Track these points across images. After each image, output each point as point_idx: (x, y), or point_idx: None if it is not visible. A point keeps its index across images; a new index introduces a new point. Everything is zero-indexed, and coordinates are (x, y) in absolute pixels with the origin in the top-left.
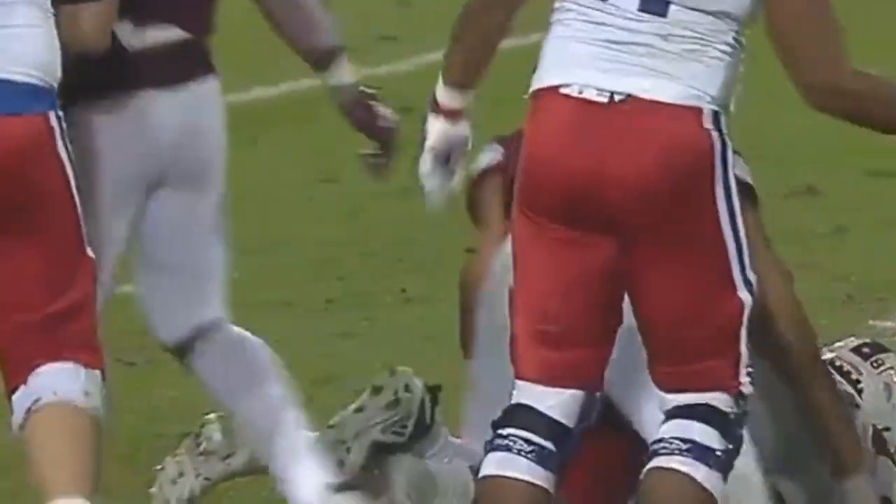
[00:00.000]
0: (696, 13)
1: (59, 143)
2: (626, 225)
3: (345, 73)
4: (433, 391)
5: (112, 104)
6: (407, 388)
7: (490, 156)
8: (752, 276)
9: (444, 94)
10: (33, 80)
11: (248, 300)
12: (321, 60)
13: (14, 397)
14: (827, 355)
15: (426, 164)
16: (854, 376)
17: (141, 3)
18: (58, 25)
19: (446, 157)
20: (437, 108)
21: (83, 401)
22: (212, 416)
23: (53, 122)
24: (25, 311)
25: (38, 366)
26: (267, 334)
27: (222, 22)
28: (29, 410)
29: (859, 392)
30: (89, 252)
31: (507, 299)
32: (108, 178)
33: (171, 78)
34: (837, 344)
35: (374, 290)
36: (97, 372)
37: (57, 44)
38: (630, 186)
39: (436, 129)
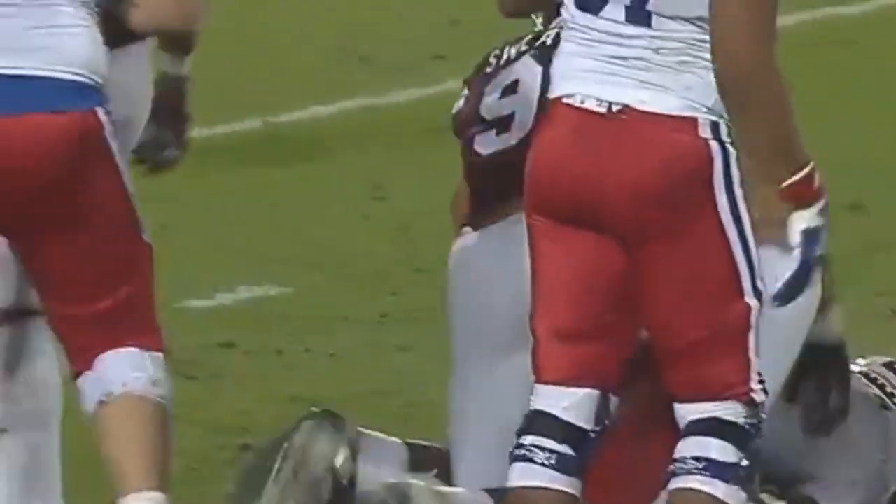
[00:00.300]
0: (678, 22)
1: (108, 137)
2: (627, 231)
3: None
4: (352, 447)
5: None
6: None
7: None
8: (761, 284)
9: None
10: (79, 78)
11: (303, 314)
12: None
13: (80, 382)
14: (856, 368)
15: None
16: (889, 389)
17: None
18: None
19: None
20: None
21: (151, 391)
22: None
23: (102, 116)
24: (85, 302)
25: (100, 352)
26: (322, 348)
27: (278, 43)
28: (100, 402)
29: (891, 398)
30: (146, 237)
31: (485, 285)
32: None
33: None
34: (865, 360)
35: (427, 305)
36: (160, 355)
37: (101, 41)
38: (628, 194)
39: None
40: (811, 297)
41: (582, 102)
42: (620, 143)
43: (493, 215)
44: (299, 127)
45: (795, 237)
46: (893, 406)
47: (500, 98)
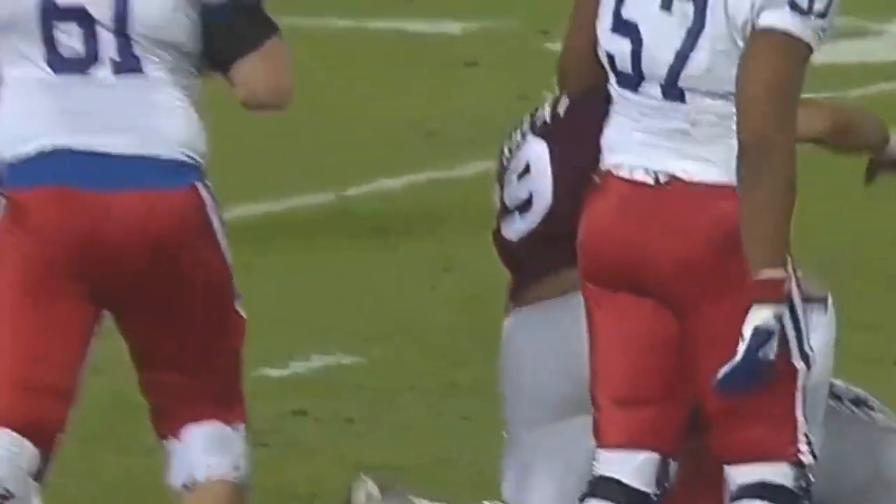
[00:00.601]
0: (710, 97)
1: (210, 213)
2: (674, 296)
3: None
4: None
5: None
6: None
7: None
8: (809, 349)
9: None
10: (179, 156)
11: (373, 384)
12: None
13: (167, 447)
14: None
15: None
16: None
17: None
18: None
19: None
20: None
21: (233, 475)
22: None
23: (203, 192)
24: (178, 371)
25: (187, 422)
26: (391, 417)
27: (348, 118)
28: (184, 486)
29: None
30: (241, 311)
31: (529, 364)
32: None
33: None
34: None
35: (492, 376)
36: (242, 427)
37: (199, 120)
38: (674, 261)
39: None
40: (825, 359)
41: (630, 173)
42: (666, 211)
43: (531, 294)
44: (369, 201)
45: (746, 331)
46: (868, 409)
47: (517, 183)
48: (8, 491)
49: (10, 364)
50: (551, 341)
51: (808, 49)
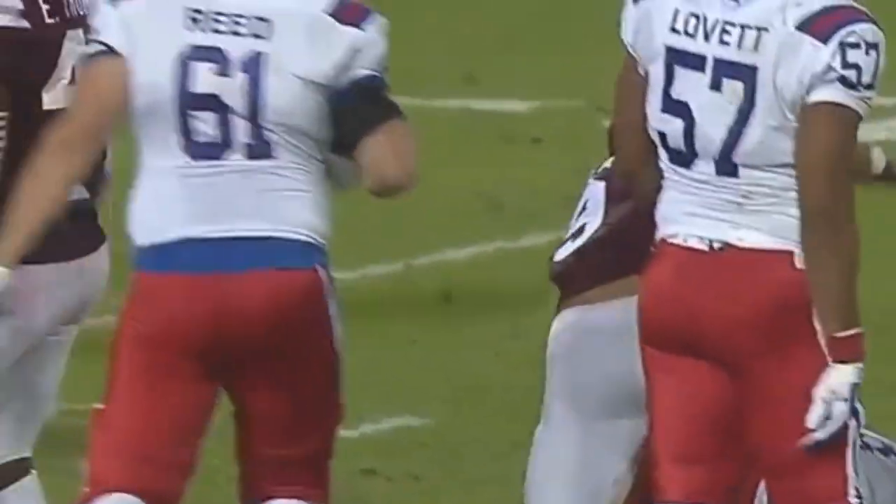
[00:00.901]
0: (763, 170)
1: (328, 298)
2: (727, 358)
3: None
4: None
5: None
6: None
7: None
8: (858, 404)
9: None
10: (303, 238)
11: (440, 443)
12: None
13: None
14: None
15: None
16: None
17: None
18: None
19: None
20: None
21: None
22: None
23: (322, 276)
24: (270, 446)
25: (272, 495)
26: (457, 475)
27: (415, 189)
28: None
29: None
30: (342, 400)
31: (583, 359)
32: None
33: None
34: None
35: None
36: None
37: (324, 204)
38: (727, 325)
39: None
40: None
41: (685, 241)
42: (721, 276)
43: (576, 300)
44: (437, 270)
45: (845, 390)
46: (871, 444)
47: (575, 220)
48: None
49: (128, 437)
50: (595, 342)
51: (859, 118)
